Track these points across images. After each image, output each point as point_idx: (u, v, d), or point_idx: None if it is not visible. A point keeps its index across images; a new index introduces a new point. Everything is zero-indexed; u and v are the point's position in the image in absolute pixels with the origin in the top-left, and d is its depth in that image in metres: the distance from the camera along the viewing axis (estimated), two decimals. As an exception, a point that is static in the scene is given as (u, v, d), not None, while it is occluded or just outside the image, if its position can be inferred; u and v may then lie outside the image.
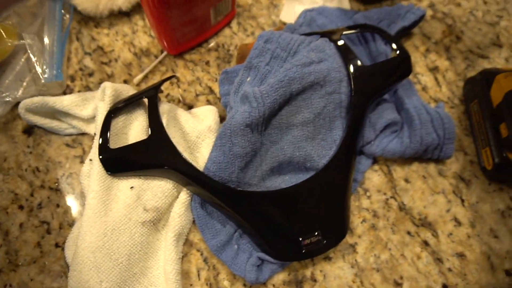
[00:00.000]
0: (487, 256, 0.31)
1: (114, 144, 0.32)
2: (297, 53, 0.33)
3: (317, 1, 0.42)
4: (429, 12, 0.42)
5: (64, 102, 0.34)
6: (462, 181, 0.34)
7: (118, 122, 0.32)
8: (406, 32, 0.40)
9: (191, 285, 0.30)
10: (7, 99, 0.35)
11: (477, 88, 0.35)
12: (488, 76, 0.34)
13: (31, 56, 0.35)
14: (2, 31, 0.36)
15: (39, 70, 0.36)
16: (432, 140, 0.32)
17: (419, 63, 0.39)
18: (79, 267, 0.28)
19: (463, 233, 0.31)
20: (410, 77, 0.38)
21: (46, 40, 0.38)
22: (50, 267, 0.31)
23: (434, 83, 0.38)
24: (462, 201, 0.33)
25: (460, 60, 0.40)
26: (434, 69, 0.39)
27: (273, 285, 0.30)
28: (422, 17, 0.39)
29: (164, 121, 0.33)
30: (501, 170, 0.31)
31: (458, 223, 0.32)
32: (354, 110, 0.31)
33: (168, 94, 0.38)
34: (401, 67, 0.33)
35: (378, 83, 0.32)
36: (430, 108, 0.34)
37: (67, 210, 0.33)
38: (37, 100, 0.33)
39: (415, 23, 0.39)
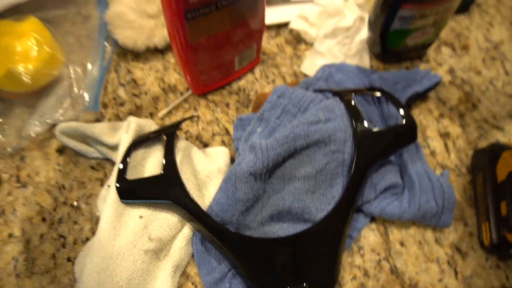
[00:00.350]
0: (474, 333, 0.30)
1: (131, 174, 0.35)
2: (307, 110, 0.35)
3: (338, 57, 0.44)
4: (447, 77, 0.44)
5: (95, 129, 0.38)
6: (458, 252, 0.34)
7: (137, 155, 0.36)
8: (421, 96, 0.41)
9: (181, 316, 0.32)
10: (47, 120, 0.40)
11: (484, 160, 0.36)
12: (497, 150, 0.35)
13: (74, 84, 0.40)
14: (50, 59, 0.41)
15: (79, 97, 0.40)
16: (431, 208, 0.33)
17: (431, 128, 0.40)
18: (84, 285, 0.31)
19: (453, 306, 0.32)
20: (420, 140, 0.39)
21: (89, 69, 0.43)
22: (60, 279, 0.34)
23: (443, 149, 0.39)
24: (456, 273, 0.33)
25: (473, 128, 0.40)
26: (445, 135, 0.40)
27: (257, 329, 0.31)
28: (437, 84, 0.40)
29: (179, 158, 0.36)
30: (498, 249, 0.31)
31: (448, 295, 0.32)
32: (355, 171, 0.33)
33: (187, 131, 0.41)
34: (406, 134, 0.34)
35: (382, 148, 0.33)
36: (434, 175, 0.35)
37: (83, 228, 0.36)
38: (72, 125, 0.37)
39: (430, 89, 0.40)
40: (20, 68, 0.38)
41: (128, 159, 0.35)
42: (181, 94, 0.43)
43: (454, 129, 0.40)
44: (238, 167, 0.32)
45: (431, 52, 0.46)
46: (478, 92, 0.42)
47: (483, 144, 0.39)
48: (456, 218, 0.35)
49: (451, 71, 0.44)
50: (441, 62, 0.45)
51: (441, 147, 0.39)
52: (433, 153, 0.39)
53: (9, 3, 0.40)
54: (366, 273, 0.33)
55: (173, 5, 0.32)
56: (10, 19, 0.40)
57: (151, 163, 0.36)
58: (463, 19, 0.49)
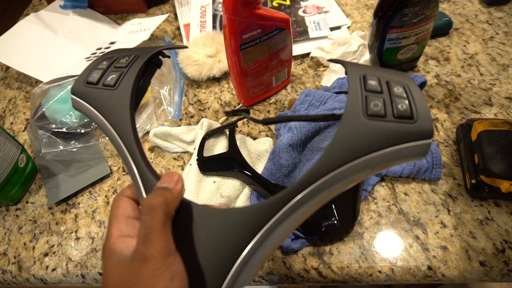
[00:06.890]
0: (466, 250, 0.41)
1: (206, 155, 0.50)
2: (327, 103, 0.49)
3: (348, 72, 0.59)
4: (434, 81, 0.57)
5: (177, 130, 0.54)
6: (450, 197, 0.45)
7: (209, 142, 0.51)
8: (413, 94, 0.55)
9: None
10: (146, 127, 0.56)
11: (463, 130, 0.48)
12: (470, 123, 0.47)
13: (164, 102, 0.57)
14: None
15: (167, 110, 0.57)
16: (423, 164, 0.45)
17: (423, 115, 0.53)
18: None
19: (447, 233, 0.42)
20: (415, 124, 0.52)
21: (173, 94, 0.61)
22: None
23: (434, 130, 0.51)
24: (449, 211, 0.44)
25: (457, 114, 0.53)
26: (434, 120, 0.52)
27: (302, 254, 0.43)
28: (424, 83, 0.53)
29: (237, 144, 0.51)
30: (477, 188, 0.42)
31: (443, 225, 0.43)
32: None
33: (241, 130, 0.56)
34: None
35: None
36: (424, 143, 0.47)
37: (171, 197, 0.50)
38: (162, 128, 0.54)
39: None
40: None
41: (203, 145, 0.50)
42: (234, 107, 0.59)
43: (442, 116, 0.53)
44: (280, 142, 0.46)
45: (420, 64, 0.60)
46: (459, 89, 0.55)
47: (465, 124, 0.51)
48: (447, 174, 0.47)
49: (436, 76, 0.58)
50: (428, 71, 0.59)
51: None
52: (426, 133, 0.51)
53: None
54: (379, 215, 0.44)
55: (233, 41, 0.49)
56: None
57: (218, 147, 0.51)
58: (444, 40, 0.63)
